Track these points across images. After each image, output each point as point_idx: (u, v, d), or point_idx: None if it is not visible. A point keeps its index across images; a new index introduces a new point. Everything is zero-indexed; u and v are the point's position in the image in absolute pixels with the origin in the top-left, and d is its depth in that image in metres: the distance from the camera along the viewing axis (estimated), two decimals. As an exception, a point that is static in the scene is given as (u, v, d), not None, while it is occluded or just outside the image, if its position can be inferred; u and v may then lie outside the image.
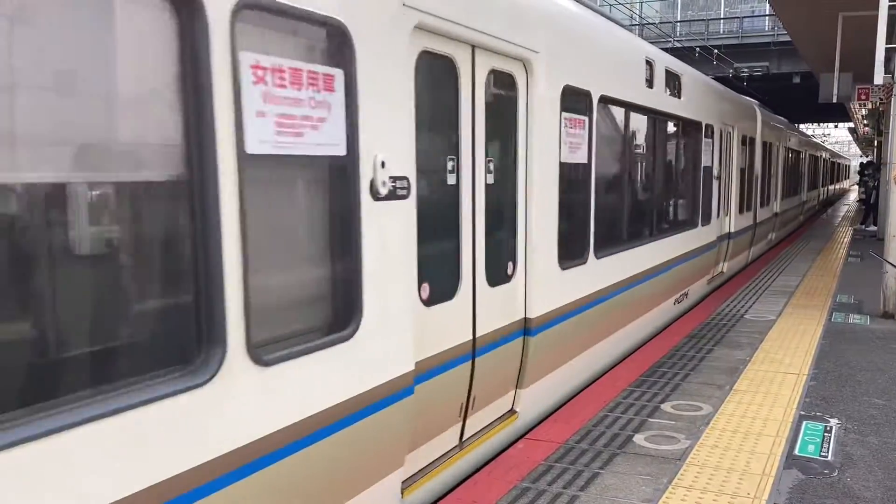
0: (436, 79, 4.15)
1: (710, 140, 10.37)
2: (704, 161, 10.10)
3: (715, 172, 10.68)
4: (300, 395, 3.06)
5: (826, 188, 37.76)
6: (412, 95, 3.77)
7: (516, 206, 5.05)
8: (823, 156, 34.16)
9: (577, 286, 5.99)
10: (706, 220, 10.37)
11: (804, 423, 5.53)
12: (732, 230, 12.33)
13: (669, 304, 9.12)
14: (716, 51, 28.79)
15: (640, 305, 7.80)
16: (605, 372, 6.95)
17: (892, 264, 9.28)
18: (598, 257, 6.35)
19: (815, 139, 35.15)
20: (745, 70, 28.72)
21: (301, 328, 3.20)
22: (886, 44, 9.62)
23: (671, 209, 9.16)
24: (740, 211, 12.92)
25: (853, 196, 49.25)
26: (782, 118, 20.76)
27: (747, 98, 15.17)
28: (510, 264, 5.02)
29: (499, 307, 4.88)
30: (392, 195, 3.57)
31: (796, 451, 4.97)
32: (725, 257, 12.10)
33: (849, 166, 69.02)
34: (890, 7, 9.28)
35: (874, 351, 7.73)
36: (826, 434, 5.30)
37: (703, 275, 10.73)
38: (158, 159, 2.56)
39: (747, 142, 13.35)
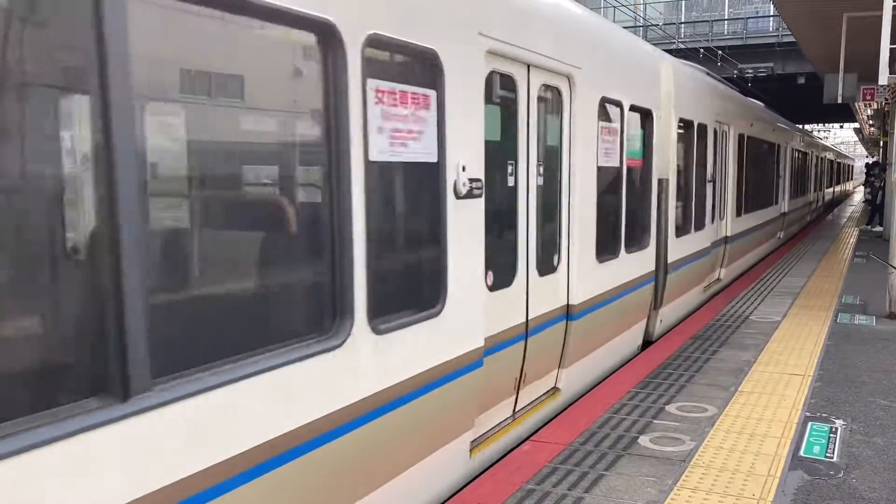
0: None
1: (487, 104, 4.56)
2: (449, 156, 4.16)
3: (520, 183, 5.14)
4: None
5: (822, 192, 31.49)
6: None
7: None
8: (824, 155, 31.51)
9: None
10: (466, 294, 4.40)
11: (809, 424, 5.53)
12: (588, 297, 6.16)
13: None
14: (720, 52, 28.81)
15: None
16: None
17: (894, 267, 9.26)
18: None
19: (814, 135, 33.65)
20: (750, 71, 28.74)
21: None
22: (891, 44, 9.61)
23: (290, 293, 3.37)
24: (627, 249, 7.08)
25: (858, 197, 49.05)
26: (757, 102, 16.45)
27: (646, 43, 8.53)
28: None
29: None
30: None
31: (802, 453, 4.98)
32: (561, 361, 5.94)
33: (852, 166, 68.75)
34: (894, 8, 9.27)
35: (880, 352, 7.71)
36: (831, 435, 5.30)
37: (461, 420, 4.53)
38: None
39: (641, 119, 7.51)
